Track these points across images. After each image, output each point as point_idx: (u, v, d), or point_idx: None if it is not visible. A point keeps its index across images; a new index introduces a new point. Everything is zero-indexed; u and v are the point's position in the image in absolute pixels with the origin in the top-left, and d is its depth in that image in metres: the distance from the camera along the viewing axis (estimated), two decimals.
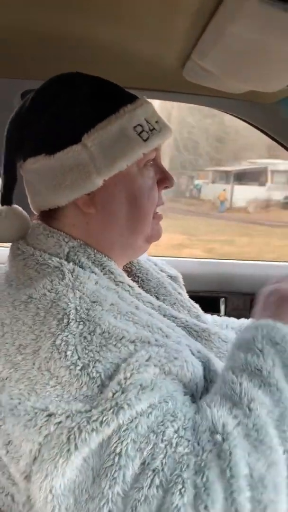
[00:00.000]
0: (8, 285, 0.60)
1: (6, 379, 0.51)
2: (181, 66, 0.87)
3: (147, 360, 0.51)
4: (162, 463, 0.46)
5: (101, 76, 0.66)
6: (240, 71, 0.78)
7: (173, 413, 0.50)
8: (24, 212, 0.68)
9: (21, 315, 0.54)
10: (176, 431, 0.48)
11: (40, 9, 0.65)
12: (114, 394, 0.48)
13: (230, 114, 1.16)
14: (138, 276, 0.78)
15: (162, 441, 0.47)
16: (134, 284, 0.66)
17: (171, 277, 0.84)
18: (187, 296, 0.82)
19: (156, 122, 0.64)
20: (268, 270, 1.51)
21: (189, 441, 0.48)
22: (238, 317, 0.99)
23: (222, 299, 1.43)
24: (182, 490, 0.44)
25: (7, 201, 0.67)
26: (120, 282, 0.63)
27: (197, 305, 0.83)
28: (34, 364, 0.50)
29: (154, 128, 0.63)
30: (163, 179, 0.68)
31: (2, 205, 0.67)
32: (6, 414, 0.49)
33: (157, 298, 0.75)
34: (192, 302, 0.83)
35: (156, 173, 0.67)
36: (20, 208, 0.67)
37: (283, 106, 1.11)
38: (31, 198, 0.67)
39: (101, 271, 0.62)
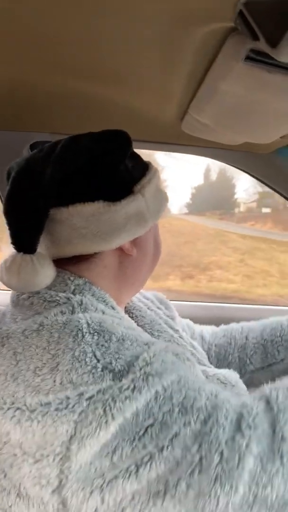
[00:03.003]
0: (13, 321, 0.60)
1: (30, 397, 0.51)
2: (179, 120, 0.93)
3: (165, 348, 0.56)
4: (205, 403, 0.51)
5: (104, 127, 0.71)
6: (234, 125, 0.82)
7: (203, 382, 0.55)
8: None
9: (33, 342, 0.54)
10: (212, 388, 0.54)
11: (48, 68, 0.71)
12: (141, 367, 0.51)
13: (230, 165, 1.21)
14: (132, 313, 0.81)
15: (201, 392, 0.52)
16: (132, 321, 0.68)
17: (168, 316, 0.86)
18: (185, 335, 0.84)
19: None
20: (271, 314, 1.50)
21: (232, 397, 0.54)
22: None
23: None
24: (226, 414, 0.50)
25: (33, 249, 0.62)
26: (122, 317, 0.65)
27: (195, 344, 0.84)
28: (55, 381, 0.50)
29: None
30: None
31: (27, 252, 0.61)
32: (35, 407, 0.50)
33: (152, 335, 0.76)
34: (191, 341, 0.84)
35: None
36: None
37: (280, 156, 1.16)
38: (55, 244, 0.63)
39: (105, 306, 0.64)
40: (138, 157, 0.70)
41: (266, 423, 0.50)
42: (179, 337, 0.81)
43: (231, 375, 0.77)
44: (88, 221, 0.61)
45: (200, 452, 0.47)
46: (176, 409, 0.49)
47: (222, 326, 1.02)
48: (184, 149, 1.15)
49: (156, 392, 0.50)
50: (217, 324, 1.44)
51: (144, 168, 0.69)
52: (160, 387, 0.50)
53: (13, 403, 0.51)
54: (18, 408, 0.50)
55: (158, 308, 0.87)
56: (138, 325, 0.75)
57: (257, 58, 0.53)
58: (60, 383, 0.50)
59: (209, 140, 1.00)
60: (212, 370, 0.76)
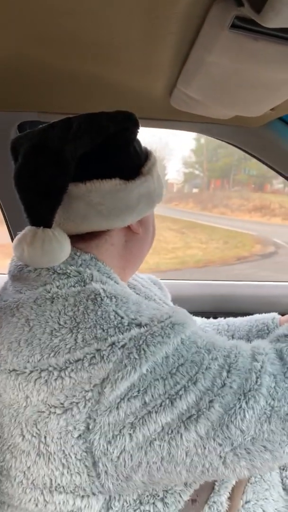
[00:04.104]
0: (17, 293, 0.61)
1: (50, 358, 0.53)
2: (168, 95, 0.91)
3: (177, 308, 0.61)
4: (225, 344, 0.59)
5: (94, 107, 0.71)
6: (223, 98, 0.81)
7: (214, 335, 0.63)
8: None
9: (47, 308, 0.56)
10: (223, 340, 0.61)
11: (35, 44, 0.70)
12: (166, 318, 0.56)
13: (219, 140, 1.20)
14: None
15: (219, 338, 0.60)
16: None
17: (161, 295, 0.88)
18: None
19: None
20: (265, 290, 1.52)
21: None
22: None
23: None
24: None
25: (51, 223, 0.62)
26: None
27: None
28: (76, 339, 0.53)
29: None
30: None
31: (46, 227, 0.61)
32: (63, 366, 0.52)
33: None
34: None
35: None
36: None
37: (270, 130, 1.15)
38: (71, 220, 0.63)
39: (110, 281, 0.65)
40: (139, 141, 0.71)
41: (274, 354, 0.59)
42: None
43: None
44: (105, 197, 0.62)
45: (230, 376, 0.54)
46: (202, 351, 0.56)
47: (211, 320, 1.04)
48: (174, 125, 1.14)
49: (182, 339, 0.55)
50: (212, 301, 1.46)
51: (146, 152, 0.72)
52: (184, 335, 0.56)
53: (35, 367, 0.53)
54: (42, 370, 0.52)
55: (151, 285, 0.90)
56: None
57: (242, 25, 0.52)
58: (83, 340, 0.52)
59: (199, 115, 0.99)
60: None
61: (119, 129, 0.63)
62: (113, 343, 0.52)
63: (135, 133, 0.67)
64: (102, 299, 0.56)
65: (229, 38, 0.55)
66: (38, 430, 0.53)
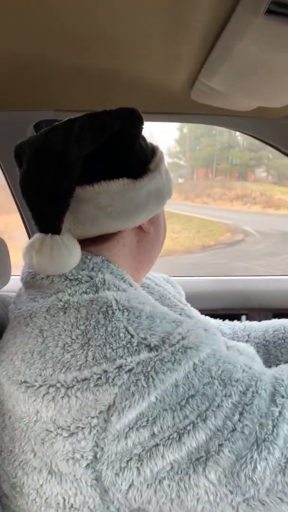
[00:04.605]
0: (31, 301, 0.60)
1: (61, 374, 0.51)
2: (189, 88, 0.89)
3: (195, 323, 0.56)
4: (242, 375, 0.52)
5: (110, 101, 0.69)
6: (247, 88, 0.79)
7: (236, 356, 0.56)
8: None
9: (60, 319, 0.54)
10: (245, 364, 0.54)
11: (49, 41, 0.68)
12: (178, 341, 0.52)
13: (240, 132, 1.17)
14: (142, 288, 0.81)
15: (236, 365, 0.53)
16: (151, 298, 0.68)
17: (176, 292, 0.88)
18: (194, 309, 0.85)
19: None
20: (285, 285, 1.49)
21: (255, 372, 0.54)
22: None
23: (244, 316, 1.41)
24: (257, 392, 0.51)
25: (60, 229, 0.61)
26: (141, 294, 0.65)
27: (203, 317, 0.87)
28: (87, 356, 0.50)
29: None
30: None
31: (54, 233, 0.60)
32: (71, 384, 0.50)
33: None
34: (198, 313, 0.86)
35: None
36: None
37: None
38: (79, 224, 0.62)
39: (124, 283, 0.63)
40: (144, 137, 0.69)
41: None
42: (190, 310, 0.83)
43: (249, 348, 0.78)
44: (114, 198, 0.61)
45: (242, 421, 0.49)
46: (216, 382, 0.50)
47: (226, 322, 1.02)
48: (193, 119, 1.12)
49: (194, 364, 0.50)
50: (232, 297, 1.44)
51: (152, 147, 0.69)
52: (197, 360, 0.51)
53: (44, 381, 0.51)
54: (51, 386, 0.50)
55: (165, 284, 0.88)
56: None
57: (279, 10, 0.49)
58: (93, 359, 0.50)
59: (219, 108, 0.96)
60: (230, 341, 0.77)
61: (124, 127, 0.61)
62: (120, 366, 0.49)
63: (140, 129, 0.64)
64: (113, 312, 0.53)
65: (262, 24, 0.52)
66: (45, 449, 0.51)
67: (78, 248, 0.59)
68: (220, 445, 0.48)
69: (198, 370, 0.50)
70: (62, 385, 0.50)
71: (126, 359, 0.49)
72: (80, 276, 0.59)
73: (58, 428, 0.50)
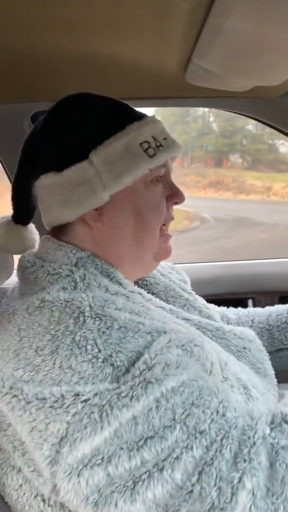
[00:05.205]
0: (20, 297, 0.61)
1: (28, 381, 0.50)
2: (183, 71, 0.88)
3: (168, 342, 0.52)
4: (209, 427, 0.47)
5: (106, 88, 0.68)
6: (242, 67, 0.78)
7: (209, 390, 0.51)
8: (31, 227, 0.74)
9: (36, 319, 0.54)
10: (220, 402, 0.50)
11: (40, 29, 0.67)
12: (141, 372, 0.48)
13: (236, 113, 1.16)
14: (146, 280, 0.81)
15: (205, 410, 0.49)
16: (143, 291, 0.67)
17: (181, 280, 0.87)
18: (198, 297, 0.84)
19: (164, 139, 0.66)
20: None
21: (235, 409, 0.50)
22: None
23: (250, 300, 1.41)
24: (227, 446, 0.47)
25: (22, 219, 0.71)
26: (130, 291, 0.63)
27: (209, 305, 0.85)
28: (54, 363, 0.50)
29: (161, 145, 0.65)
30: (173, 195, 0.69)
31: (17, 223, 0.71)
32: (30, 399, 0.49)
33: (167, 301, 0.76)
34: (204, 302, 0.84)
35: (165, 189, 0.68)
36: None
37: None
38: (43, 214, 0.69)
39: (110, 280, 0.62)
40: (110, 119, 0.65)
41: (265, 455, 0.47)
42: (194, 299, 0.81)
43: (248, 331, 0.77)
44: (47, 193, 0.65)
45: (200, 482, 0.45)
46: (178, 427, 0.47)
47: (231, 308, 1.01)
48: (189, 102, 1.11)
49: (156, 400, 0.47)
50: (238, 281, 1.43)
51: (110, 132, 0.63)
52: (159, 394, 0.47)
53: (11, 388, 0.51)
54: (15, 396, 0.50)
55: (170, 273, 0.87)
56: (152, 293, 0.75)
57: None
58: (59, 367, 0.49)
59: (216, 90, 0.95)
60: (228, 326, 0.76)
61: (53, 121, 0.66)
62: (78, 394, 0.47)
63: (79, 116, 0.65)
64: (85, 320, 0.52)
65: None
66: (16, 457, 0.53)
67: (14, 231, 0.70)
68: (179, 505, 0.45)
69: (160, 408, 0.47)
70: (24, 398, 0.50)
71: (85, 386, 0.48)
72: (60, 270, 0.60)
73: (21, 443, 0.51)
